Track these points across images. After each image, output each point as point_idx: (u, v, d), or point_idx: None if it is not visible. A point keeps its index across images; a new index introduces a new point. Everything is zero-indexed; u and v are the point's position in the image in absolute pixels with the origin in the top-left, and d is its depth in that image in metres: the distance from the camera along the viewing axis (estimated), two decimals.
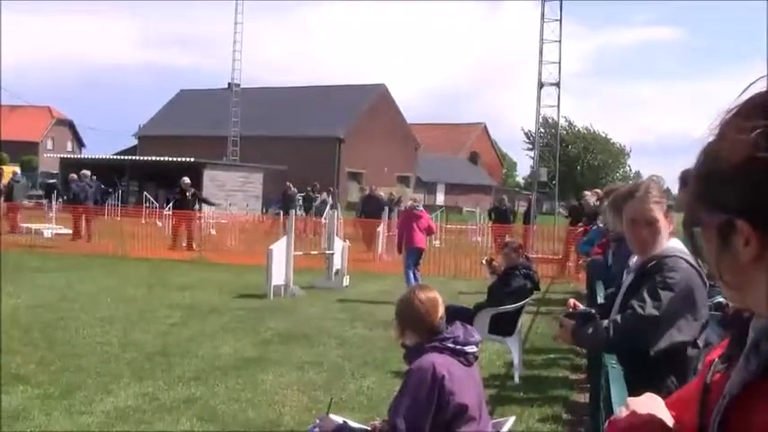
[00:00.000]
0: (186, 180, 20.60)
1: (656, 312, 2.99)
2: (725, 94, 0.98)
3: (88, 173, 21.51)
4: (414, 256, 12.69)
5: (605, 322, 3.14)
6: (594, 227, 8.98)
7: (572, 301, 3.78)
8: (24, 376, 6.80)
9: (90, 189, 20.80)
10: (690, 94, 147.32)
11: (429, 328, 3.39)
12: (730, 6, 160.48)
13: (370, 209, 22.33)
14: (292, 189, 27.36)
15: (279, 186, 36.62)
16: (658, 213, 3.10)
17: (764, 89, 0.94)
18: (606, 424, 1.28)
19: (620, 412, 1.21)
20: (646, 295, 3.03)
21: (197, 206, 20.91)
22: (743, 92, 0.95)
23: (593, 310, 3.44)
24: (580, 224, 14.56)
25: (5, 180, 23.63)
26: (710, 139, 0.98)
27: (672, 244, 3.13)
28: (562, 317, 3.37)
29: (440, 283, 13.32)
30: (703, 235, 1.01)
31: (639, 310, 3.01)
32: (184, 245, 19.06)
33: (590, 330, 3.17)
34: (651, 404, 1.21)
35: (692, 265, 3.03)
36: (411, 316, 3.41)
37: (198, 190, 34.38)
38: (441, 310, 3.45)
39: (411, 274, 12.44)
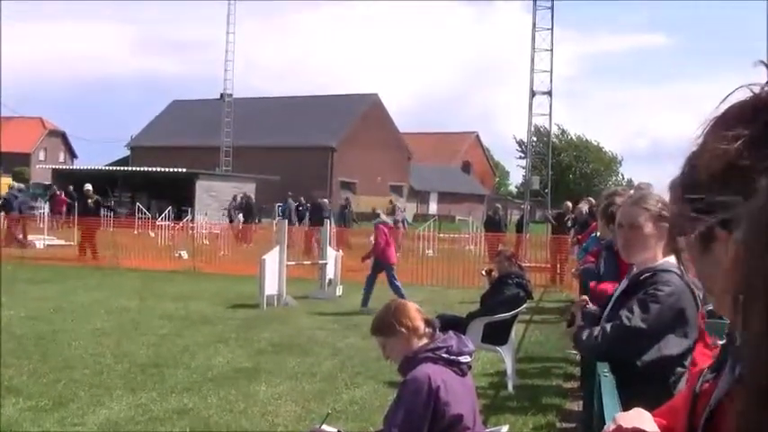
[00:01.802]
0: (88, 187, 20.29)
1: (642, 325, 2.98)
2: (721, 97, 1.00)
3: (16, 185, 23.34)
4: (389, 269, 12.58)
5: (596, 329, 3.14)
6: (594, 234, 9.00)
7: (585, 297, 3.77)
8: (16, 388, 6.77)
9: (15, 200, 21.83)
10: (685, 97, 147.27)
11: (426, 323, 3.38)
12: (725, 6, 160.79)
13: (314, 217, 24.19)
14: (252, 199, 28.20)
15: (271, 196, 36.73)
16: (643, 219, 3.05)
17: (743, 98, 0.96)
18: None
19: (609, 427, 1.24)
20: (635, 307, 3.02)
21: (105, 213, 21.81)
22: (722, 101, 0.97)
23: (599, 309, 3.42)
24: (572, 232, 14.60)
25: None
26: (694, 148, 1.01)
27: (671, 259, 3.12)
28: (579, 312, 3.42)
29: (433, 293, 13.34)
30: (686, 243, 1.03)
31: (626, 321, 3.01)
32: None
33: (585, 335, 3.17)
34: (638, 418, 1.23)
35: (687, 283, 2.99)
36: (410, 318, 3.37)
37: (189, 199, 34.63)
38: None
39: (397, 284, 12.32)
